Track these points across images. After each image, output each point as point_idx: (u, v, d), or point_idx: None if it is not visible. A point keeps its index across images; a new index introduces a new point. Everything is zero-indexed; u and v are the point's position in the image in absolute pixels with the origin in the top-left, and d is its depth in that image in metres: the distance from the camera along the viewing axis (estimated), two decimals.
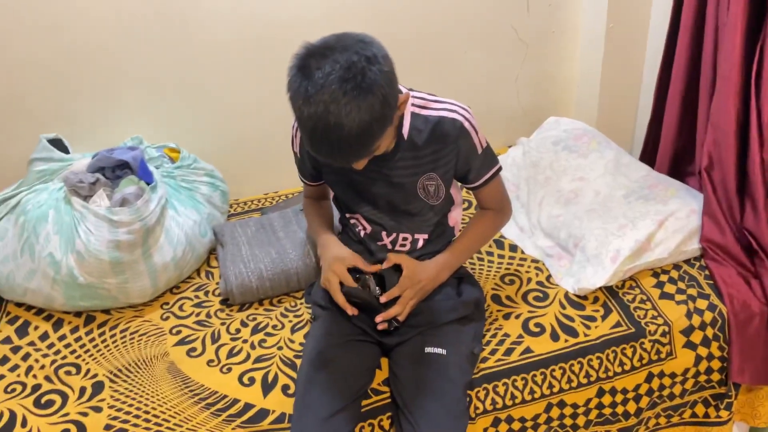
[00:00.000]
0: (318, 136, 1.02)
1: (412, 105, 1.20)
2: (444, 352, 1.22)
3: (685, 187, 1.65)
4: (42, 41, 1.68)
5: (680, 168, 1.81)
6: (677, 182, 1.67)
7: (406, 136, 1.20)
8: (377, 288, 1.26)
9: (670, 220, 1.51)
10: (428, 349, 1.23)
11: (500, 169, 1.30)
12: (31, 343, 1.40)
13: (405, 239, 1.32)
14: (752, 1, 1.36)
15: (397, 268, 1.27)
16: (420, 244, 1.33)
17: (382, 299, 1.23)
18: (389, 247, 1.33)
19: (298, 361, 1.31)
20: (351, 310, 1.23)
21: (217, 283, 1.58)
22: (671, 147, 1.79)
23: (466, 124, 1.20)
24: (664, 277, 1.48)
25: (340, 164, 1.14)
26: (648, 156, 1.92)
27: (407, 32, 1.89)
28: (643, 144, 1.95)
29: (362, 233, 1.34)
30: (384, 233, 1.32)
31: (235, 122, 1.92)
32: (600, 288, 1.44)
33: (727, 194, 1.48)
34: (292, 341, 1.38)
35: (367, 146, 1.06)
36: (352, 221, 1.35)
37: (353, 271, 1.26)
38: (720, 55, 1.47)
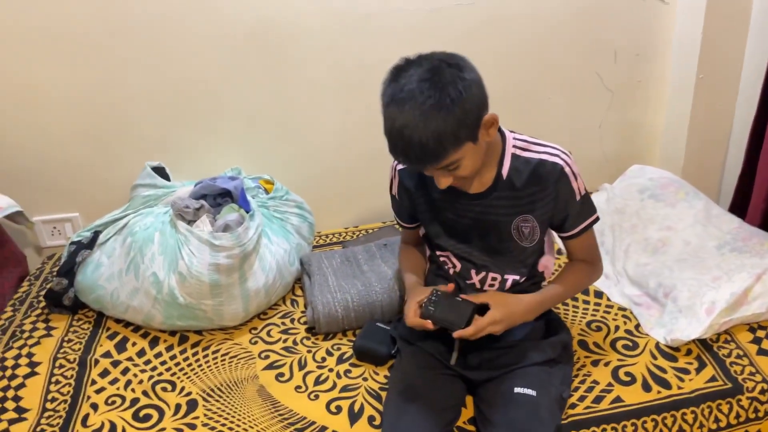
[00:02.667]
0: (394, 135, 1.06)
1: (514, 147, 1.23)
2: (534, 393, 1.21)
3: None
4: (153, 75, 1.81)
5: None
6: None
7: (505, 175, 1.22)
8: (458, 297, 1.23)
9: (767, 274, 1.46)
10: (518, 390, 1.22)
11: (597, 219, 1.30)
12: (130, 359, 1.47)
13: (494, 279, 1.33)
14: None
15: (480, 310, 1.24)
16: (509, 284, 1.33)
17: (468, 332, 1.19)
18: (478, 286, 1.34)
19: (383, 394, 1.32)
20: (420, 324, 1.20)
21: (303, 312, 1.63)
22: (764, 200, 1.75)
23: (567, 169, 1.21)
24: (761, 333, 1.43)
25: (416, 169, 1.17)
26: (738, 209, 1.88)
27: (492, 74, 1.92)
28: (733, 196, 1.91)
29: (451, 271, 1.36)
30: (473, 271, 1.33)
31: (322, 157, 2.00)
32: (693, 340, 1.40)
33: None
34: (376, 373, 1.40)
35: (442, 152, 1.06)
36: (442, 259, 1.37)
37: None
38: None
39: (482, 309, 1.22)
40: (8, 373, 1.41)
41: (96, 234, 1.60)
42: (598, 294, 1.63)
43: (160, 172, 1.81)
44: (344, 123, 1.96)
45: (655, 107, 2.13)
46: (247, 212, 1.56)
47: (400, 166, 1.33)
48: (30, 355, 1.46)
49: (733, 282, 1.44)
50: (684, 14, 1.95)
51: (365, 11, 1.83)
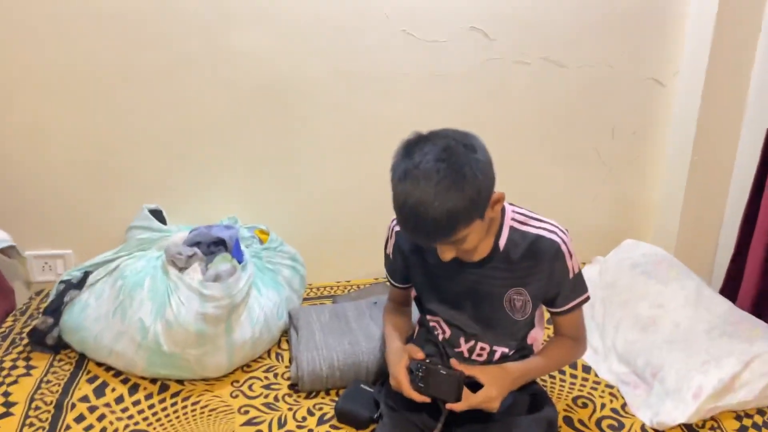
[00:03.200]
0: (406, 211, 1.07)
1: (512, 219, 1.24)
2: None
3: None
4: (157, 119, 1.84)
5: (763, 308, 1.76)
6: (763, 323, 1.63)
7: (502, 247, 1.23)
8: (442, 367, 1.22)
9: (756, 361, 1.45)
10: None
11: (588, 299, 1.31)
12: (107, 404, 1.44)
13: (483, 349, 1.32)
14: None
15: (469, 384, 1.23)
16: (497, 356, 1.33)
17: (461, 407, 1.19)
18: (466, 355, 1.33)
19: None
20: (420, 398, 1.20)
21: (287, 367, 1.61)
22: (755, 285, 1.76)
23: (563, 247, 1.22)
24: (747, 422, 1.41)
25: (425, 243, 1.18)
26: (729, 292, 1.88)
27: (491, 143, 1.97)
28: (725, 279, 1.92)
29: (441, 337, 1.35)
30: (463, 339, 1.33)
31: (320, 210, 2.02)
32: (680, 425, 1.38)
33: None
34: None
35: (452, 229, 1.08)
36: (432, 324, 1.37)
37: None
38: None
39: (473, 381, 1.22)
40: None
41: (86, 274, 1.60)
42: (586, 369, 1.62)
43: (157, 215, 1.82)
44: (344, 179, 1.99)
45: (650, 184, 2.17)
46: (240, 263, 1.56)
47: (397, 228, 1.34)
48: (6, 393, 1.43)
49: (722, 368, 1.43)
50: (681, 97, 2.01)
51: (373, 74, 1.88)
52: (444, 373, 1.20)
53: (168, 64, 1.79)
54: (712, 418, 1.42)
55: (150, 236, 1.69)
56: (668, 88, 2.04)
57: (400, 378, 1.23)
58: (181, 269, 1.53)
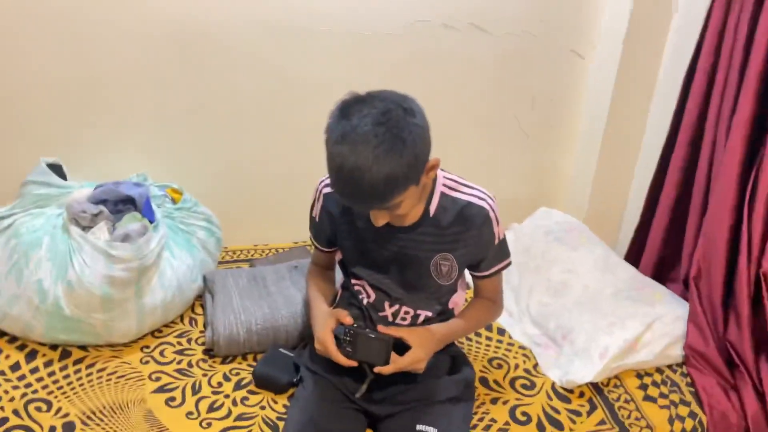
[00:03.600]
0: (343, 175, 1.04)
1: (443, 185, 1.24)
2: (436, 430, 1.21)
3: (670, 292, 1.71)
4: (59, 65, 1.69)
5: (663, 273, 1.88)
6: (663, 287, 1.74)
7: (432, 213, 1.23)
8: (370, 332, 1.22)
9: (656, 323, 1.55)
10: (420, 427, 1.21)
11: (510, 263, 1.34)
12: (2, 372, 1.33)
13: (407, 313, 1.33)
14: (753, 126, 1.47)
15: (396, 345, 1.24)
16: (420, 319, 1.33)
17: (389, 369, 1.20)
18: (390, 319, 1.33)
19: (281, 424, 1.28)
20: (348, 363, 1.20)
21: (201, 332, 1.55)
22: (657, 252, 1.87)
23: (492, 214, 1.24)
24: (647, 380, 1.51)
25: (360, 208, 1.16)
26: (633, 258, 1.99)
27: None
28: (629, 245, 2.02)
29: (365, 301, 1.34)
30: (387, 303, 1.32)
31: (237, 170, 1.94)
32: (587, 383, 1.45)
33: (712, 305, 1.55)
34: (275, 402, 1.35)
35: (389, 194, 1.06)
36: (357, 287, 1.35)
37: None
38: (716, 173, 1.56)
39: (398, 343, 1.22)
40: None
41: None
42: (501, 331, 1.66)
43: (57, 170, 1.67)
44: (262, 139, 1.91)
45: (565, 154, 2.24)
46: (151, 222, 1.47)
47: (326, 190, 1.30)
48: None
49: (626, 329, 1.52)
50: (598, 69, 2.07)
51: (294, 26, 1.80)
52: (373, 336, 1.20)
53: (70, 2, 1.62)
54: (616, 377, 1.50)
55: (48, 192, 1.56)
56: (587, 60, 2.09)
57: (327, 342, 1.21)
58: (85, 228, 1.42)
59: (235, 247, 1.97)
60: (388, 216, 1.15)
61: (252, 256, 1.94)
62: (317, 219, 1.34)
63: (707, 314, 1.55)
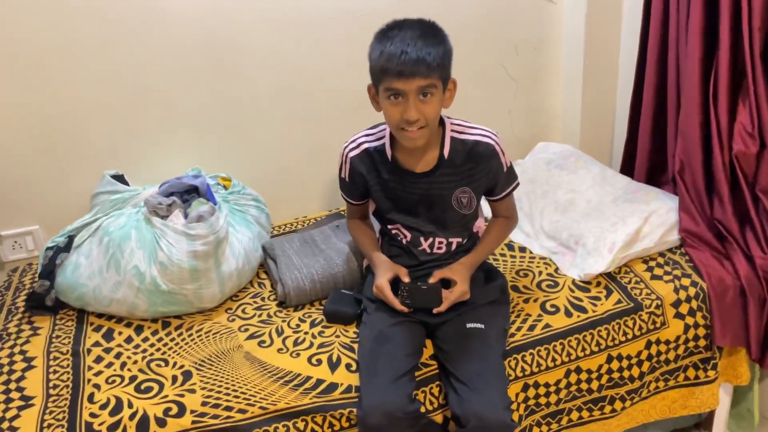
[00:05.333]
0: (390, 49, 1.30)
1: (452, 130, 1.49)
2: (483, 326, 1.48)
3: (663, 192, 1.96)
4: (102, 85, 1.92)
5: (655, 178, 2.12)
6: (656, 189, 1.98)
7: (446, 156, 1.48)
8: (422, 284, 1.49)
9: (653, 216, 1.81)
10: (469, 325, 1.48)
11: (518, 184, 1.59)
12: (120, 345, 1.60)
13: (441, 243, 1.58)
14: (706, 36, 1.71)
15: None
16: (453, 246, 1.59)
17: (444, 306, 1.47)
18: (428, 251, 1.58)
19: (355, 345, 1.53)
20: (403, 308, 1.47)
21: (270, 291, 1.81)
22: (646, 161, 2.11)
23: (497, 147, 1.49)
24: (652, 263, 1.77)
25: (400, 82, 1.32)
26: (626, 170, 2.23)
27: None
28: (622, 160, 2.27)
29: (403, 241, 1.60)
30: (422, 238, 1.58)
31: (271, 156, 2.18)
32: (601, 274, 1.71)
33: (697, 192, 1.80)
34: (346, 331, 1.60)
35: (433, 62, 1.30)
36: (394, 231, 1.61)
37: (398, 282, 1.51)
38: (682, 79, 1.81)
39: (445, 283, 1.49)
40: (5, 369, 1.51)
41: (71, 238, 1.72)
42: (522, 249, 1.92)
43: (119, 179, 1.93)
44: (286, 123, 2.16)
45: (554, 93, 2.47)
46: (215, 204, 1.74)
47: (352, 153, 1.55)
48: (23, 352, 1.57)
49: (627, 225, 1.77)
50: (569, 12, 2.30)
51: (303, 19, 2.02)
52: (425, 288, 1.47)
53: (103, 32, 1.86)
54: (625, 265, 1.76)
55: (121, 197, 1.82)
56: (558, 5, 2.33)
57: (385, 290, 1.47)
58: (163, 217, 1.69)
59: (280, 222, 2.23)
60: (418, 111, 1.34)
61: (295, 227, 2.20)
62: (347, 179, 1.58)
63: (694, 200, 1.80)
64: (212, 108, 2.06)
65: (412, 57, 1.30)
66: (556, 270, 1.80)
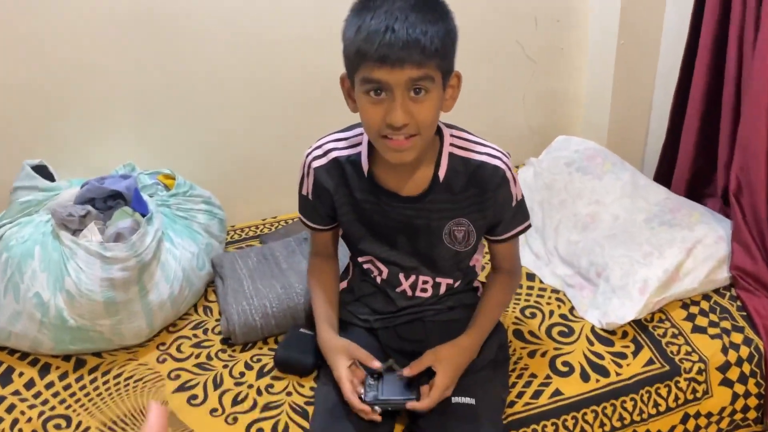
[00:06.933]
0: (373, 26, 0.93)
1: (452, 145, 1.12)
2: (473, 401, 1.13)
3: (709, 211, 1.59)
4: (24, 61, 1.59)
5: (698, 190, 1.75)
6: (700, 206, 1.61)
7: (442, 177, 1.11)
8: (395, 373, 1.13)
9: (698, 247, 1.44)
10: (456, 399, 1.13)
11: (529, 227, 1.22)
12: (16, 392, 1.28)
13: (426, 283, 1.23)
14: None
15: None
16: (442, 289, 1.24)
17: (425, 405, 1.09)
18: (409, 293, 1.24)
19: (310, 409, 1.21)
20: (375, 416, 1.09)
21: (217, 320, 1.48)
22: (689, 168, 1.74)
23: (508, 174, 1.12)
24: (694, 309, 1.41)
25: (386, 73, 0.94)
26: (663, 177, 1.86)
27: None
28: (658, 164, 1.89)
29: (378, 279, 1.24)
30: (402, 275, 1.22)
31: (230, 145, 1.84)
32: (629, 322, 1.36)
33: (757, 220, 1.42)
34: (301, 386, 1.28)
35: (425, 46, 0.92)
36: (366, 266, 1.25)
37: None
38: (747, 78, 1.41)
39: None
40: None
41: None
42: (530, 276, 1.57)
43: (42, 171, 1.58)
44: (250, 109, 1.80)
45: (577, 75, 2.09)
46: (144, 215, 1.38)
47: (315, 164, 1.18)
48: None
49: (665, 258, 1.41)
50: None
51: None
52: (396, 377, 1.12)
53: None
54: (660, 310, 1.41)
55: (35, 197, 1.47)
56: None
57: (346, 389, 1.10)
58: (75, 231, 1.34)
59: (243, 224, 1.89)
60: (408, 112, 0.98)
61: (261, 231, 1.86)
62: (310, 197, 1.21)
63: (752, 230, 1.43)
64: (155, 90, 1.69)
65: (400, 36, 0.91)
66: (572, 310, 1.45)
